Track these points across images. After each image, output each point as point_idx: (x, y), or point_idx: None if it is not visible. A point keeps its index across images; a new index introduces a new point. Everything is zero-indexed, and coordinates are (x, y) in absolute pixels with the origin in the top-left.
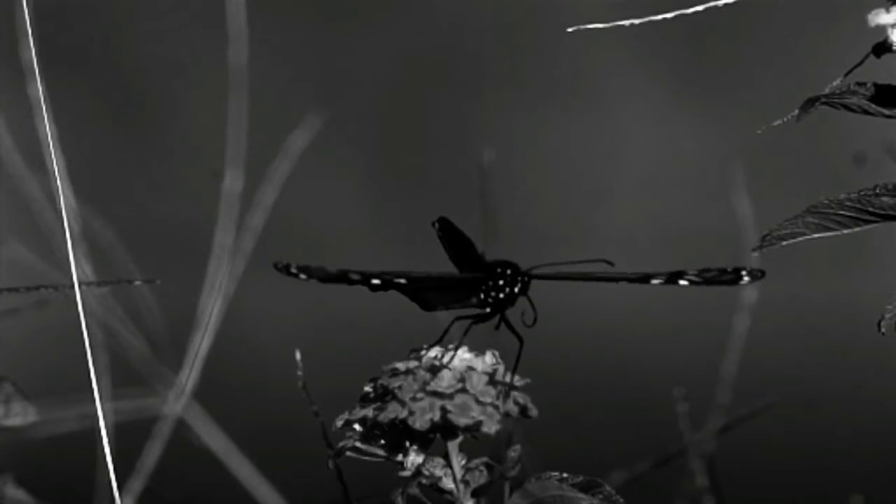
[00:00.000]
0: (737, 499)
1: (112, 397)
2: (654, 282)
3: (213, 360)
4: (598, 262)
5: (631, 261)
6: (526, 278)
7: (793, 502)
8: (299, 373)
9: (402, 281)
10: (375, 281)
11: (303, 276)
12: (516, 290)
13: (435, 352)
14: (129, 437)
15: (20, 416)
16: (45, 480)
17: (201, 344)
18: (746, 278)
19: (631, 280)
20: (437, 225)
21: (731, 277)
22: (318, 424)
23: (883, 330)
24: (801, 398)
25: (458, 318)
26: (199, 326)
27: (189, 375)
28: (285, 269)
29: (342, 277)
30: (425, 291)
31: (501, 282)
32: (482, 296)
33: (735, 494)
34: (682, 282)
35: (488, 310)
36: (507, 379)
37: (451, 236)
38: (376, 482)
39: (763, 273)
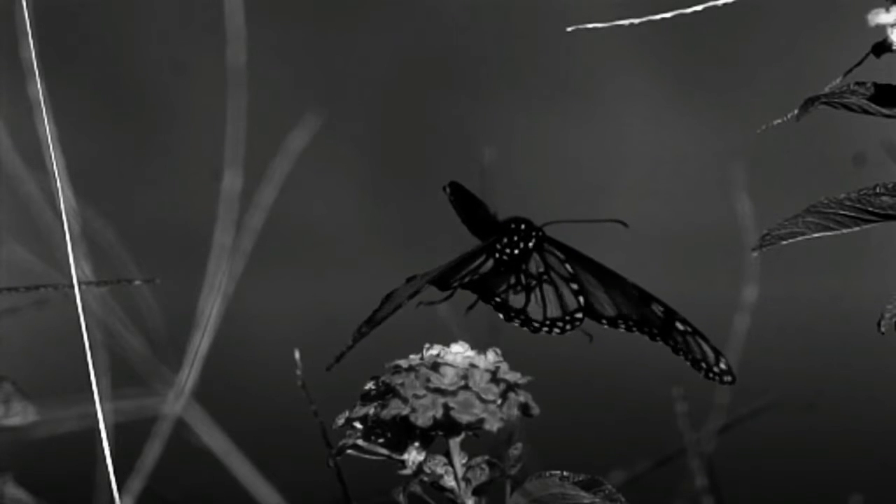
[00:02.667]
0: (737, 499)
1: (112, 397)
2: (655, 307)
3: (213, 360)
4: (612, 222)
5: (630, 260)
6: (540, 233)
7: (793, 502)
8: (298, 372)
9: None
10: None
11: (347, 349)
12: (530, 244)
13: (436, 350)
14: (129, 437)
15: (20, 415)
16: (45, 480)
17: (201, 344)
18: (726, 375)
19: (633, 290)
20: (448, 189)
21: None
22: (318, 424)
23: (883, 330)
24: (801, 398)
25: (465, 286)
26: (198, 326)
27: (188, 375)
28: (338, 361)
29: (376, 324)
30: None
31: (516, 237)
32: (498, 255)
33: (735, 494)
34: (678, 325)
35: (503, 269)
36: (510, 377)
37: (462, 200)
38: (376, 481)
39: (734, 381)
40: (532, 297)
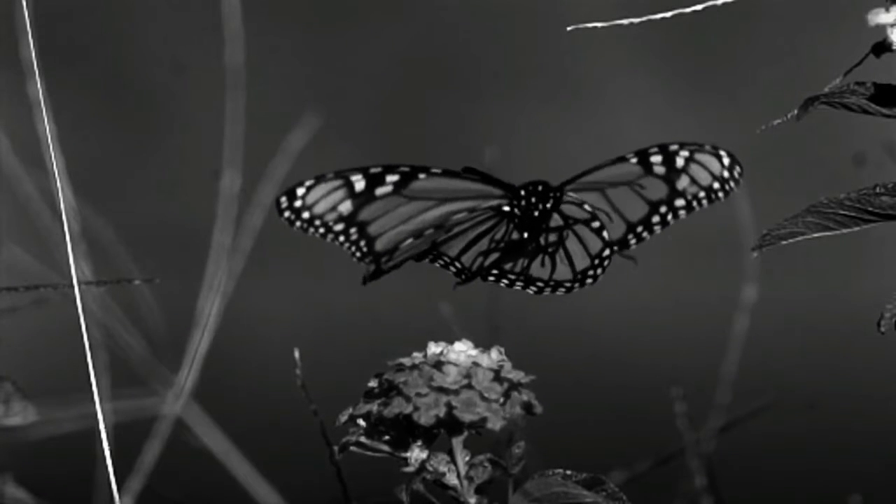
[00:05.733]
0: (736, 499)
1: (112, 397)
2: (655, 167)
3: (213, 360)
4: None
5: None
6: (558, 194)
7: (792, 502)
8: (298, 372)
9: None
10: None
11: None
12: (549, 205)
13: (439, 348)
14: (129, 437)
15: (20, 415)
16: (45, 480)
17: (200, 343)
18: (735, 167)
19: (633, 163)
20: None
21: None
22: (317, 423)
23: (883, 330)
24: (801, 398)
25: (487, 275)
26: (198, 326)
27: (188, 375)
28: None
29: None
30: (460, 251)
31: (534, 199)
32: (516, 220)
33: (735, 494)
34: (678, 160)
35: (526, 234)
36: (513, 376)
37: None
38: (375, 481)
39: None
40: (557, 259)
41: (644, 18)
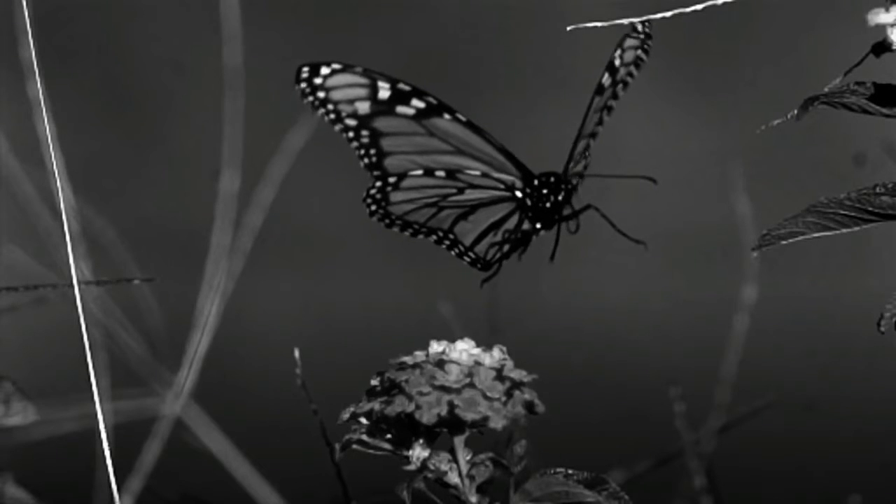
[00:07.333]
0: (736, 498)
1: (111, 397)
2: (606, 84)
3: (212, 360)
4: (642, 178)
5: (630, 259)
6: (570, 186)
7: (792, 502)
8: (298, 371)
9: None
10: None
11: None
12: (560, 197)
13: (441, 346)
14: (129, 437)
15: (20, 415)
16: (45, 480)
17: (200, 343)
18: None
19: (596, 100)
20: None
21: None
22: (317, 423)
23: (883, 330)
24: (801, 398)
25: (500, 243)
26: (197, 326)
27: (187, 375)
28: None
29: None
30: (473, 242)
31: (545, 190)
32: (529, 211)
33: (734, 494)
34: (616, 61)
35: (538, 225)
36: (515, 375)
37: None
38: (376, 481)
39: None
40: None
41: (644, 18)
